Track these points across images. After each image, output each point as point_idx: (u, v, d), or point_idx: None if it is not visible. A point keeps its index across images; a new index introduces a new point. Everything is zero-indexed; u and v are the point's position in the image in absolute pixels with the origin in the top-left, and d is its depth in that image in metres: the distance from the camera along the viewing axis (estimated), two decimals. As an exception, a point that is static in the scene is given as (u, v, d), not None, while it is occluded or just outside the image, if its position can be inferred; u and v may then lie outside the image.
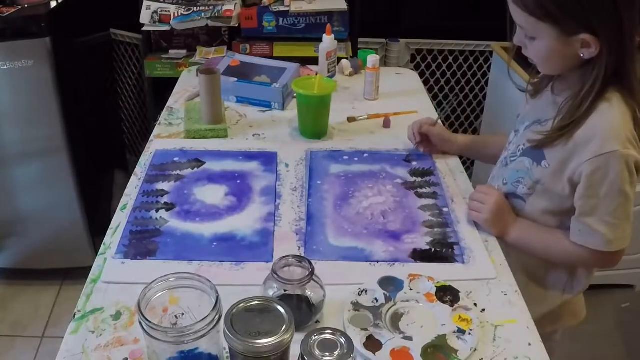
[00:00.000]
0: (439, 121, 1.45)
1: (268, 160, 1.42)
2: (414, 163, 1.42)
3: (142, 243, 1.13)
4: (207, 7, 2.13)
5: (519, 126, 1.24)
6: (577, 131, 1.06)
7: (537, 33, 1.04)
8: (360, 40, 2.35)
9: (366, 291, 1.01)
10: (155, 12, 2.12)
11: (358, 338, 0.91)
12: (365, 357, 0.89)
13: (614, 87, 1.05)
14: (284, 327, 0.75)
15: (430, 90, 2.63)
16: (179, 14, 2.11)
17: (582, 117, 1.05)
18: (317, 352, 0.74)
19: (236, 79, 1.68)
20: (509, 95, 2.27)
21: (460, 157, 1.48)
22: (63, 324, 1.54)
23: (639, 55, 1.03)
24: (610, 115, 1.04)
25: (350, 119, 1.62)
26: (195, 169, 1.37)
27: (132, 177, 1.34)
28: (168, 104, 1.70)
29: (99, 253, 1.11)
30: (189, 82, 1.83)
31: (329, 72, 1.80)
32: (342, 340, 0.76)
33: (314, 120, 1.52)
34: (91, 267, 1.07)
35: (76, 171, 2.15)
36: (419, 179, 1.36)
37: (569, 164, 1.08)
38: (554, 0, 0.99)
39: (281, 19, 2.14)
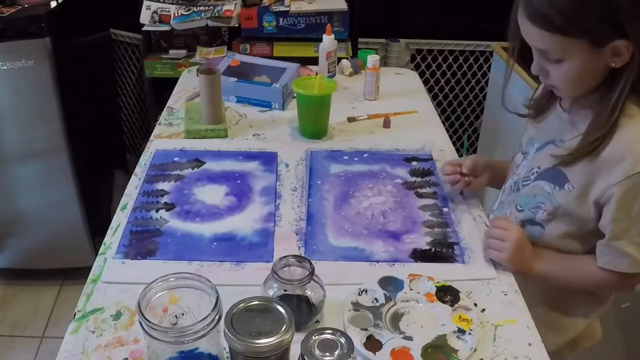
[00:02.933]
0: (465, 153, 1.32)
1: (268, 160, 1.42)
2: (414, 163, 1.42)
3: (142, 243, 1.13)
4: (207, 7, 2.13)
5: (527, 148, 1.18)
6: (603, 151, 1.00)
7: (565, 53, 0.97)
8: (360, 40, 2.35)
9: (366, 291, 1.01)
10: (155, 12, 2.12)
11: (358, 338, 0.91)
12: (365, 357, 0.89)
13: (631, 102, 1.00)
14: (284, 327, 0.75)
15: (430, 90, 2.63)
16: (179, 14, 2.11)
17: (608, 132, 1.00)
18: (317, 352, 0.74)
19: (236, 79, 1.68)
20: (508, 95, 2.26)
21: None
22: (63, 324, 1.54)
23: None
24: (637, 132, 0.99)
25: (350, 119, 1.62)
26: (195, 169, 1.37)
27: (132, 177, 1.34)
28: (168, 104, 1.70)
29: (99, 253, 1.11)
30: (189, 82, 1.83)
31: (329, 72, 1.80)
32: (342, 340, 0.76)
33: (314, 120, 1.52)
34: (91, 267, 1.07)
35: (76, 171, 2.15)
36: (419, 179, 1.36)
37: (594, 186, 1.03)
38: (586, 11, 0.92)
39: (281, 19, 2.14)
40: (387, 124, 1.59)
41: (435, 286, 1.02)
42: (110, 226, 1.18)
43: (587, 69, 0.98)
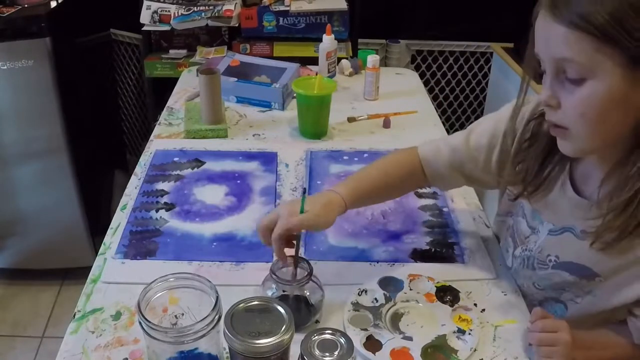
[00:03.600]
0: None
1: (268, 160, 1.42)
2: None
3: (142, 243, 1.13)
4: (207, 7, 2.13)
5: (534, 223, 1.00)
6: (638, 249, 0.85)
7: (593, 67, 0.73)
8: (360, 40, 2.35)
9: (366, 291, 1.01)
10: (155, 12, 2.12)
11: (358, 338, 0.91)
12: (365, 357, 0.89)
13: None
14: (284, 327, 0.75)
15: (430, 91, 2.63)
16: (179, 14, 2.11)
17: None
18: (317, 352, 0.74)
19: (236, 79, 1.68)
20: (509, 96, 2.26)
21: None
22: (63, 324, 1.54)
23: None
24: None
25: (350, 119, 1.62)
26: (195, 169, 1.37)
27: (132, 177, 1.34)
28: (168, 104, 1.70)
29: (99, 253, 1.11)
30: (189, 82, 1.83)
31: (329, 72, 1.80)
32: (342, 340, 0.76)
33: (314, 120, 1.52)
34: (91, 267, 1.07)
35: (76, 171, 2.15)
36: (419, 179, 1.35)
37: (630, 287, 0.89)
38: (633, 7, 0.71)
39: (281, 19, 2.14)
40: (387, 124, 1.59)
41: (435, 286, 1.02)
42: (110, 226, 1.18)
43: (614, 99, 0.75)
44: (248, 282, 1.01)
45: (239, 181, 1.34)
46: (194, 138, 1.50)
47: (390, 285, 1.02)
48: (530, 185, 0.95)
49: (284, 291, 0.92)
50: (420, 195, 1.30)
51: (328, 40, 1.77)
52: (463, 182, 1.09)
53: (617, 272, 0.89)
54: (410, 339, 0.92)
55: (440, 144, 1.07)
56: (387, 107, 1.68)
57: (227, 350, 0.79)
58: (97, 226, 2.24)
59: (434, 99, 2.66)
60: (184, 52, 2.28)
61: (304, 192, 0.95)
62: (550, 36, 0.76)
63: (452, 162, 1.05)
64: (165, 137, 1.52)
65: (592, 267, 0.91)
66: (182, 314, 0.84)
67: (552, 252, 0.96)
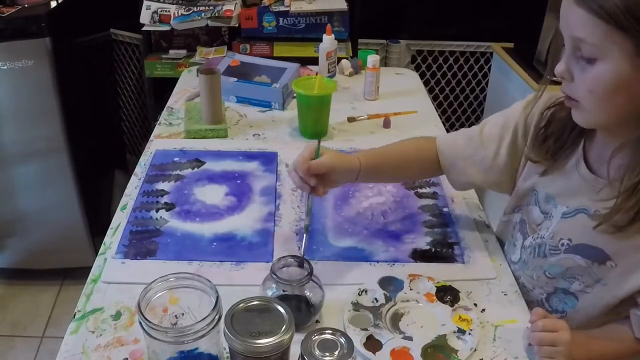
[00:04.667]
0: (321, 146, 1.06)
1: (268, 160, 1.42)
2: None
3: (142, 243, 1.13)
4: (207, 7, 2.13)
5: (547, 207, 1.01)
6: None
7: (603, 49, 0.79)
8: (360, 41, 2.36)
9: (366, 291, 1.01)
10: (155, 12, 2.12)
11: (358, 338, 0.91)
12: (365, 357, 0.89)
13: None
14: (284, 327, 0.75)
15: (430, 91, 2.63)
16: (179, 14, 2.11)
17: None
18: (317, 352, 0.74)
19: (236, 79, 1.68)
20: (509, 95, 2.27)
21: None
22: (63, 324, 1.54)
23: None
24: None
25: (350, 119, 1.62)
26: (195, 169, 1.37)
27: (132, 177, 1.34)
28: (168, 104, 1.70)
29: (99, 253, 1.11)
30: (189, 82, 1.83)
31: (329, 72, 1.80)
32: (342, 340, 0.76)
33: (314, 120, 1.52)
34: (91, 267, 1.07)
35: (76, 171, 2.15)
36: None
37: (638, 272, 0.91)
38: None
39: (281, 19, 2.14)
40: (387, 124, 1.59)
41: (435, 286, 1.02)
42: (110, 226, 1.18)
43: (620, 82, 0.80)
44: (248, 282, 1.01)
45: (239, 181, 1.34)
46: (194, 138, 1.50)
47: (390, 285, 1.02)
48: (548, 160, 1.00)
49: (284, 291, 0.92)
50: (420, 195, 1.30)
51: (328, 40, 1.77)
52: (473, 173, 1.11)
53: (628, 255, 0.91)
54: (410, 339, 0.92)
55: (457, 135, 1.15)
56: (387, 107, 1.68)
57: (227, 350, 0.79)
58: (97, 226, 2.24)
59: (434, 99, 2.66)
60: (184, 52, 2.28)
61: (319, 142, 1.04)
62: (570, 16, 0.81)
63: (464, 152, 1.12)
64: (165, 137, 1.52)
65: (604, 248, 0.93)
66: (182, 314, 0.84)
67: (565, 235, 0.98)
